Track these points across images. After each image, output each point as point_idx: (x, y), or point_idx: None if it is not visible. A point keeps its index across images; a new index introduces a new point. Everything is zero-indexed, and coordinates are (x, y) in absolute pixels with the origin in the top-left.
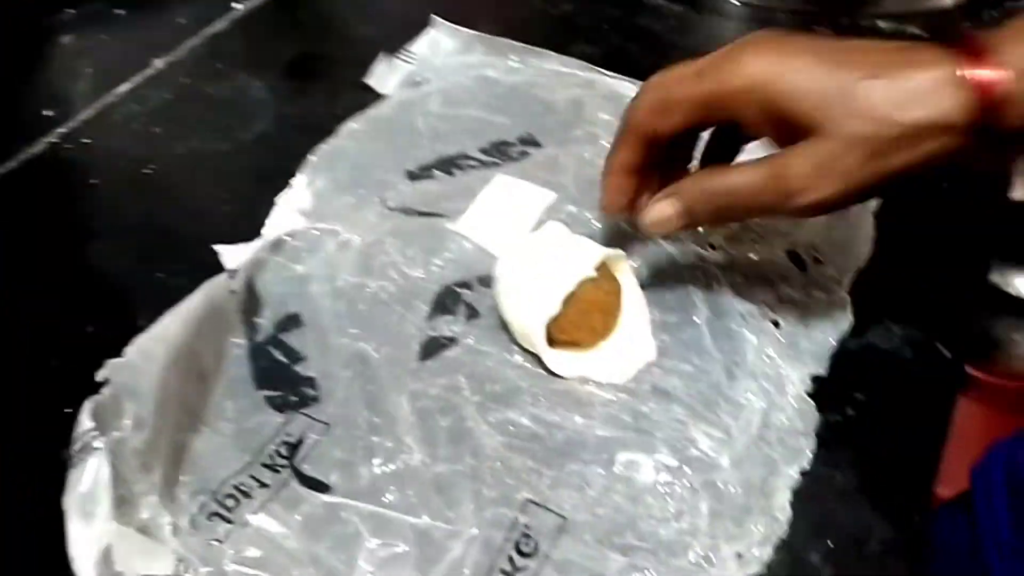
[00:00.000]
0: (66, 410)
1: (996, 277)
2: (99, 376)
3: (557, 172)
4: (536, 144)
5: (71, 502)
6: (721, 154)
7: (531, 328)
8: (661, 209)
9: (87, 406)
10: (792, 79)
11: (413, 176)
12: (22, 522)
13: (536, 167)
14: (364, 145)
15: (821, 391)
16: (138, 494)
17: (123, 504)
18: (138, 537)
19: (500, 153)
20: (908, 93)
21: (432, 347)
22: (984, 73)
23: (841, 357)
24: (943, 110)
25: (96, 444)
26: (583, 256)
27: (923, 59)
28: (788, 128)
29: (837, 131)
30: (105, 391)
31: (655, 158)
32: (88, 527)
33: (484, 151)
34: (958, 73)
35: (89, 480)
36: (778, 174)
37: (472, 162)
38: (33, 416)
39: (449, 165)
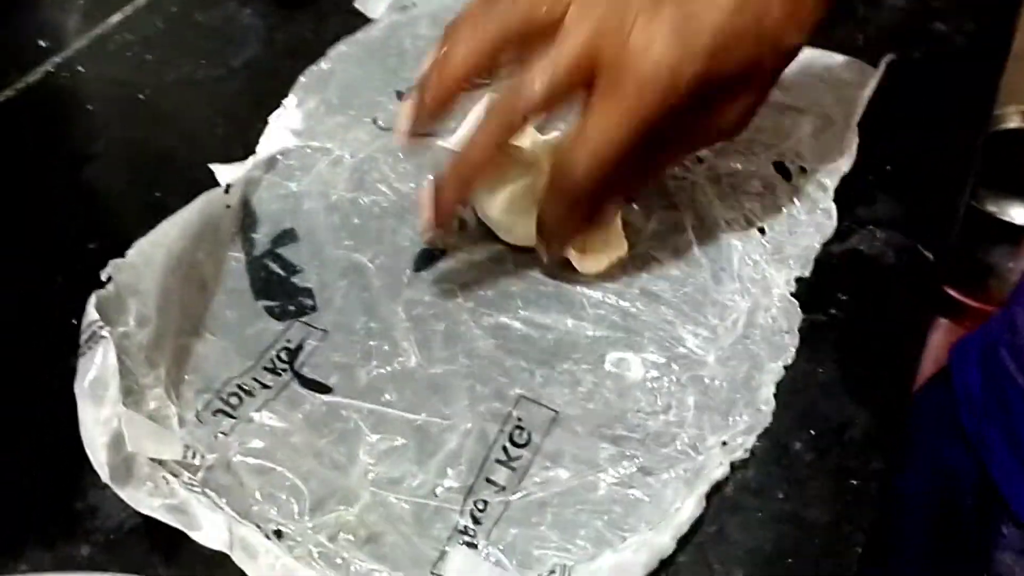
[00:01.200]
0: (73, 321)
1: (991, 206)
2: (103, 275)
3: None
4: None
5: (81, 388)
6: None
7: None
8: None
9: (92, 299)
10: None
11: (403, 96)
12: (38, 425)
13: None
14: (354, 67)
15: (806, 292)
16: (144, 386)
17: (131, 394)
18: (147, 422)
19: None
20: None
21: (425, 258)
22: None
23: (826, 260)
24: None
25: (102, 333)
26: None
27: None
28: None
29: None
30: (109, 287)
31: None
32: (99, 411)
33: None
34: None
35: (97, 366)
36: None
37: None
38: (42, 328)
39: None
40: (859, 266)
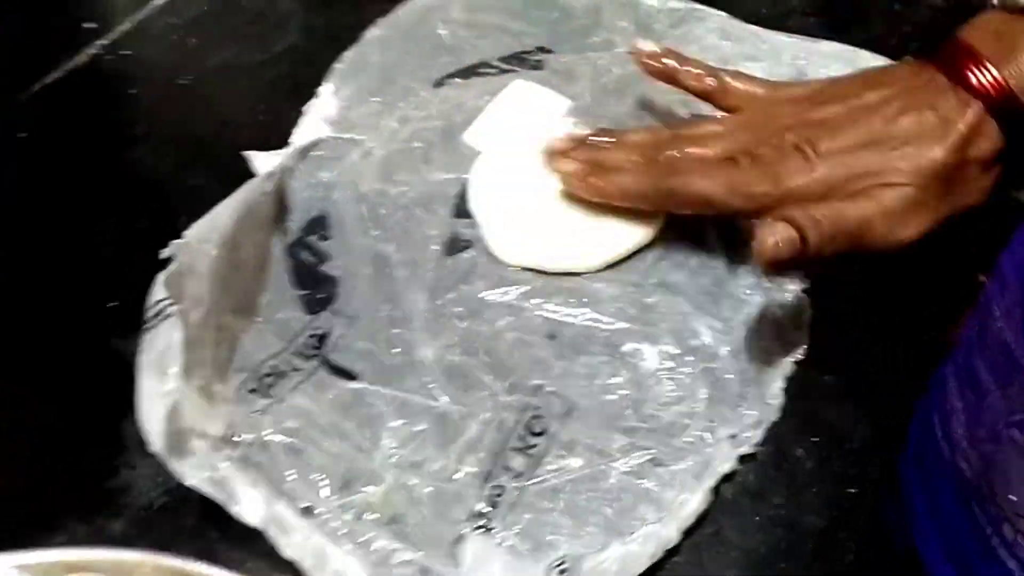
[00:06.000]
0: (113, 304)
1: None
2: (164, 254)
3: (572, 80)
4: (552, 52)
5: (147, 361)
6: None
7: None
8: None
9: (160, 277)
10: None
11: (435, 83)
12: (76, 403)
13: (552, 75)
14: (387, 52)
15: (820, 296)
16: (193, 363)
17: (182, 370)
18: (199, 398)
19: (519, 61)
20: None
21: (451, 248)
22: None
23: (842, 263)
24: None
25: (170, 310)
26: None
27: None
28: None
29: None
30: (172, 266)
31: None
32: (161, 384)
33: (503, 59)
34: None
35: (164, 341)
36: (883, 211)
37: (492, 70)
38: (81, 309)
39: (469, 73)
40: (876, 271)
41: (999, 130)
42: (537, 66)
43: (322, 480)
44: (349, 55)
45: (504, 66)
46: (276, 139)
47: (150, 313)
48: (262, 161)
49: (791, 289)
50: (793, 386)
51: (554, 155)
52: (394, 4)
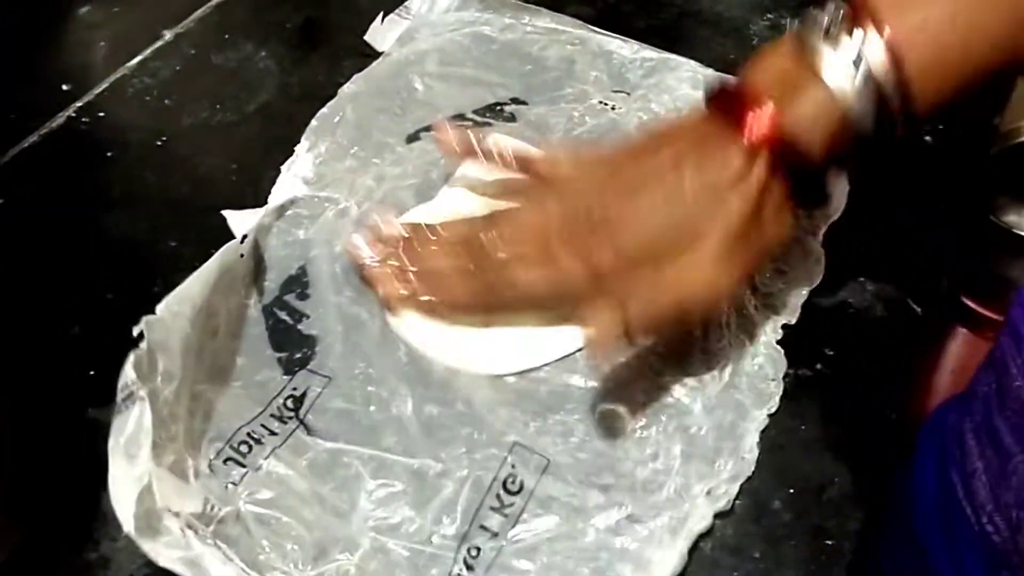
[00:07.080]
0: (90, 372)
1: (1009, 217)
2: (135, 331)
3: (546, 132)
4: (526, 104)
5: (117, 445)
6: None
7: None
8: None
9: (130, 359)
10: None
11: (410, 138)
12: (54, 475)
13: (526, 126)
14: (362, 107)
15: (793, 346)
16: (166, 440)
17: (154, 448)
18: (171, 477)
19: (494, 113)
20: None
21: None
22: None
23: (813, 313)
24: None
25: (140, 394)
26: None
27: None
28: None
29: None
30: (143, 345)
31: None
32: (131, 467)
33: (478, 112)
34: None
35: (133, 425)
36: (699, 275)
37: (467, 123)
38: (58, 379)
39: None
40: (847, 320)
41: (785, 174)
42: (511, 118)
43: (296, 550)
44: (324, 112)
45: (478, 118)
46: (253, 197)
47: (120, 396)
48: (239, 220)
49: (764, 341)
50: (768, 438)
51: (373, 273)
52: (370, 58)
